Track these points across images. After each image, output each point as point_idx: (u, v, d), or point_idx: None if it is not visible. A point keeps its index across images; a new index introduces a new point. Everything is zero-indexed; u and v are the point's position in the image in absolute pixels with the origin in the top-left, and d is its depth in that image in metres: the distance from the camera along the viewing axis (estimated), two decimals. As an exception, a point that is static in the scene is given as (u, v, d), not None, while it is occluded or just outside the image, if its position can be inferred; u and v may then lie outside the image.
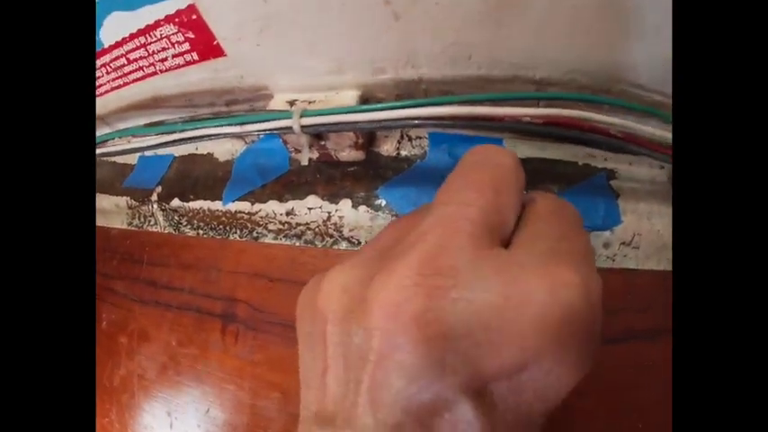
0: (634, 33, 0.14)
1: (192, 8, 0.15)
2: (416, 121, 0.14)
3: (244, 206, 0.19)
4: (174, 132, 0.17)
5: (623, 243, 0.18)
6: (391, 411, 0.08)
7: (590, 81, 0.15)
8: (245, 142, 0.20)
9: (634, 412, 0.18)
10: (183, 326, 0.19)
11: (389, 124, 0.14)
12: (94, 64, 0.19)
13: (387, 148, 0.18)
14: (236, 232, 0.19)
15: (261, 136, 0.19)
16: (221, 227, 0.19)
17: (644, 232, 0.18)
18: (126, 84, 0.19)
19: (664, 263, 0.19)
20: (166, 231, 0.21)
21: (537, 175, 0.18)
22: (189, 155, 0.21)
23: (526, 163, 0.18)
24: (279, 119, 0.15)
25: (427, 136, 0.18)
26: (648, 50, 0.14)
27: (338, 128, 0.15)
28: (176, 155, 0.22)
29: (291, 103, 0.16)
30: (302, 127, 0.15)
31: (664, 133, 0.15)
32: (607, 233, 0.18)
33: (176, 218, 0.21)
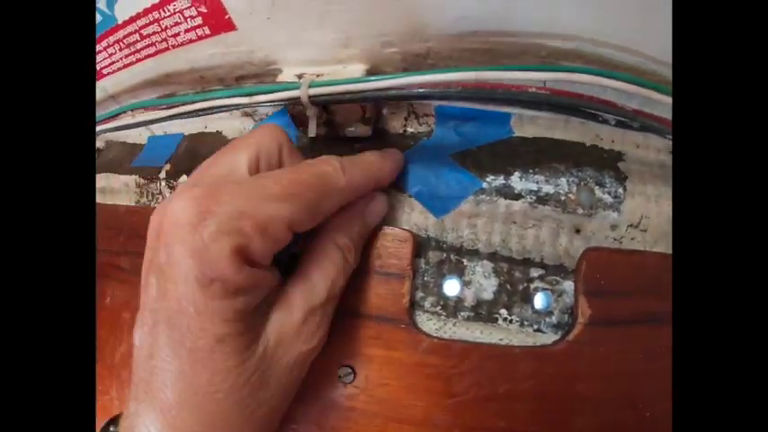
0: (647, 5, 0.14)
1: (205, -18, 0.16)
2: (422, 90, 0.14)
3: (250, 182, 0.19)
4: (186, 104, 0.17)
5: (631, 225, 0.18)
6: None
7: (600, 55, 0.15)
8: (254, 120, 0.20)
9: (641, 402, 0.17)
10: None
11: (395, 93, 0.14)
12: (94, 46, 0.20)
13: (394, 125, 0.18)
14: (241, 208, 0.19)
15: (269, 113, 0.20)
16: (227, 203, 0.20)
17: (652, 215, 0.18)
18: (139, 60, 0.20)
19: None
20: (173, 208, 0.21)
21: (544, 155, 0.18)
22: (198, 133, 0.22)
23: (533, 143, 0.18)
24: (287, 89, 0.15)
25: (434, 113, 0.18)
26: (662, 24, 0.14)
27: (345, 98, 0.15)
28: (186, 133, 0.22)
29: (300, 76, 0.17)
30: (310, 97, 0.15)
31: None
32: (614, 214, 0.18)
33: (183, 194, 0.21)
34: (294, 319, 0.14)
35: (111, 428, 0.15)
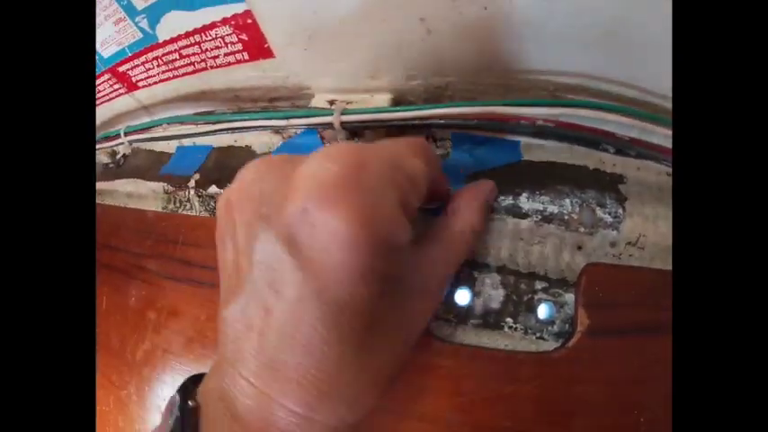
0: (643, 45, 0.16)
1: (247, 13, 0.19)
2: (441, 121, 0.17)
3: (277, 194, 0.22)
4: (223, 122, 0.20)
5: (629, 243, 0.21)
6: None
7: (601, 89, 0.18)
8: (283, 137, 0.23)
9: (636, 407, 0.20)
10: (214, 302, 0.22)
11: (417, 123, 0.17)
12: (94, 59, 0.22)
13: (413, 146, 0.21)
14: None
15: (299, 131, 0.22)
16: (255, 212, 0.22)
17: (649, 234, 0.21)
18: (176, 77, 0.23)
19: (669, 264, 0.21)
20: (201, 216, 0.24)
21: (550, 178, 0.21)
22: (227, 146, 0.24)
23: (540, 167, 0.21)
24: (321, 115, 0.18)
25: (450, 137, 0.21)
26: (658, 61, 0.17)
27: (373, 125, 0.18)
28: (215, 145, 0.25)
29: (331, 102, 0.19)
30: (341, 123, 0.18)
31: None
32: (614, 233, 0.21)
33: (212, 203, 0.24)
34: (439, 275, 0.15)
35: (190, 403, 0.14)
